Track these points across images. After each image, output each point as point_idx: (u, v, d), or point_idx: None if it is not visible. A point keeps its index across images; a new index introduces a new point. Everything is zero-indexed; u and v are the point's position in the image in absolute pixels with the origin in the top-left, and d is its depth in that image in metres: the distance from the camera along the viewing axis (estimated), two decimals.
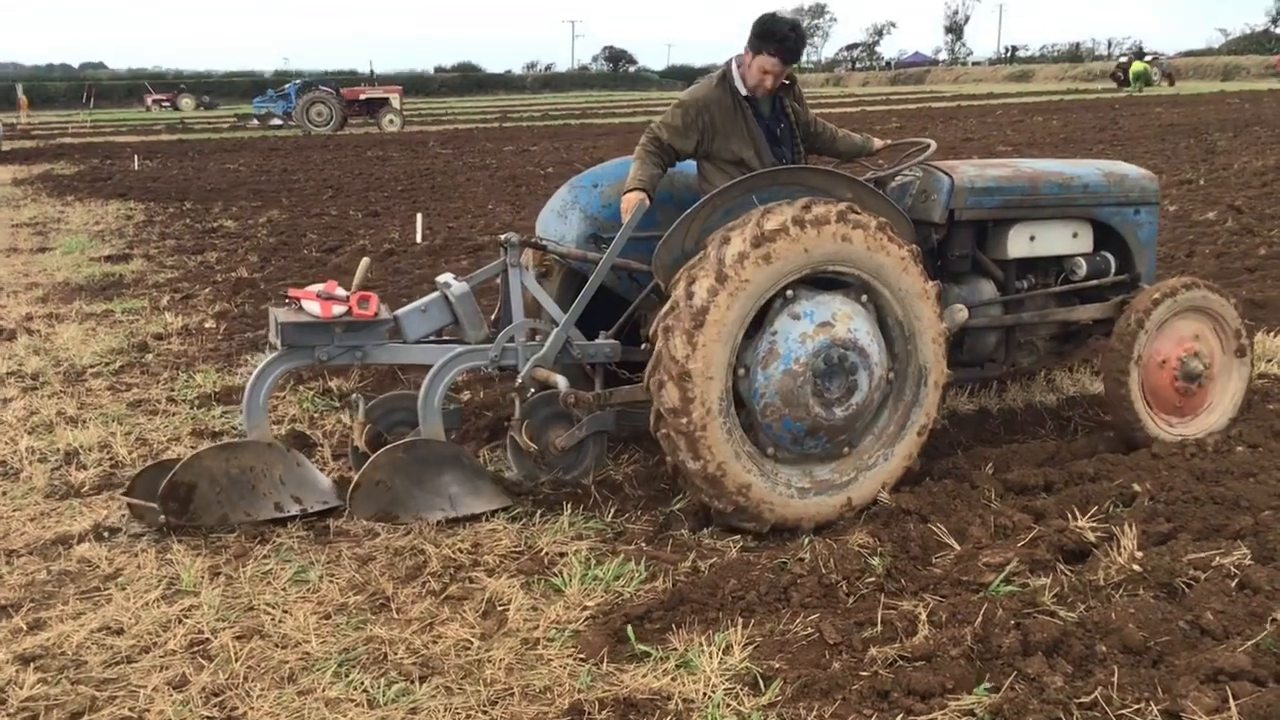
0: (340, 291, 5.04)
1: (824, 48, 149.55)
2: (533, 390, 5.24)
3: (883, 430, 5.02)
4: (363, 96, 42.42)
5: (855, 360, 4.76)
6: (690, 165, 5.55)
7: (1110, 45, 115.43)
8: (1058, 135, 25.51)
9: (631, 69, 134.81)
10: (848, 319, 4.76)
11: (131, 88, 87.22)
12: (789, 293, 4.70)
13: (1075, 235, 5.93)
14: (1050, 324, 5.98)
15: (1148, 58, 63.88)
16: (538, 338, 5.26)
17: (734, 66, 5.39)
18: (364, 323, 5.03)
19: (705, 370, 4.53)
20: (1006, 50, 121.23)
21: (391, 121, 40.46)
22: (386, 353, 5.21)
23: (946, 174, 5.62)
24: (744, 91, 5.34)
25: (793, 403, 4.71)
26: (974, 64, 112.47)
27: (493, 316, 5.58)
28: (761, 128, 5.39)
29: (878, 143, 5.94)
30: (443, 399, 5.10)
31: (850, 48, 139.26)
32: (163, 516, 4.76)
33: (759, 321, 4.71)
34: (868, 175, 5.61)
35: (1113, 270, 6.01)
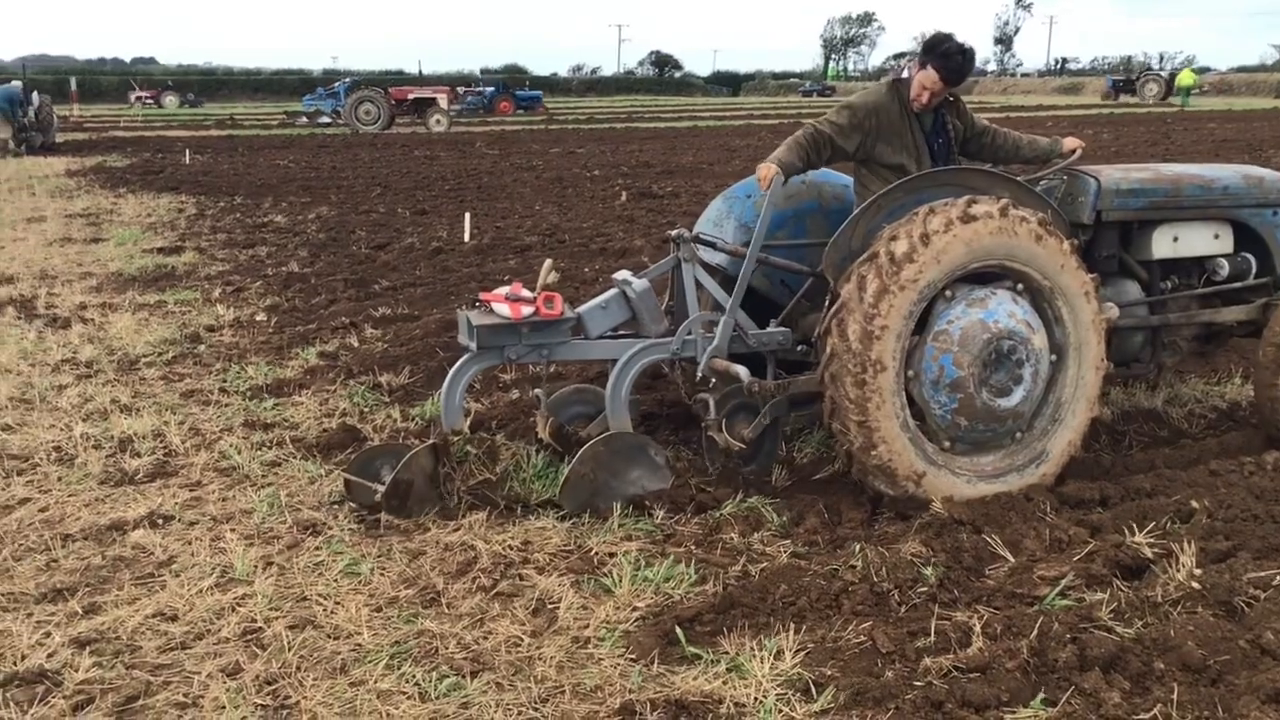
0: (526, 293, 5.16)
1: (871, 56, 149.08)
2: (712, 383, 5.36)
3: (1046, 421, 5.15)
4: (410, 96, 42.74)
5: (1021, 353, 4.92)
6: (836, 176, 5.81)
7: (1162, 59, 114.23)
8: (1109, 149, 25.26)
9: (677, 74, 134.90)
10: (1012, 313, 4.91)
11: (181, 83, 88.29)
12: (948, 292, 4.89)
13: (1217, 236, 6.02)
14: (1194, 325, 6.05)
15: (1175, 71, 63.57)
16: (715, 329, 5.36)
17: (907, 74, 5.57)
18: (550, 322, 5.17)
19: (877, 362, 4.71)
20: (1056, 62, 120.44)
21: (438, 121, 40.69)
22: (570, 350, 5.36)
23: (1093, 177, 5.76)
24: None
25: (962, 393, 4.88)
26: (1023, 75, 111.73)
27: (662, 309, 5.70)
28: (924, 139, 5.55)
29: (1068, 144, 5.94)
30: (629, 392, 5.25)
31: (897, 56, 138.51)
32: (385, 512, 4.92)
33: (923, 320, 4.89)
34: None
35: (1254, 272, 6.07)
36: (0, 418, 6.39)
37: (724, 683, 3.61)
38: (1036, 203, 5.17)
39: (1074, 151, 5.87)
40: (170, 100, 70.66)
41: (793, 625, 3.91)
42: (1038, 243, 4.90)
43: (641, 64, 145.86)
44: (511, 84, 61.38)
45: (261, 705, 3.52)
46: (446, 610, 4.15)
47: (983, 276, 4.96)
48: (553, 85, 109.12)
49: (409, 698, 3.56)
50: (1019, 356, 4.92)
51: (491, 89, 60.98)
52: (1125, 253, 5.89)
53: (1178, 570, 4.16)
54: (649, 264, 8.67)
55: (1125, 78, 72.02)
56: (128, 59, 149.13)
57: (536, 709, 3.52)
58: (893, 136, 5.49)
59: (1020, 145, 5.94)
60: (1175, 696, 3.38)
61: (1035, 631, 3.73)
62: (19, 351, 7.90)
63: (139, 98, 70.15)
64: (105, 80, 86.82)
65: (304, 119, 47.13)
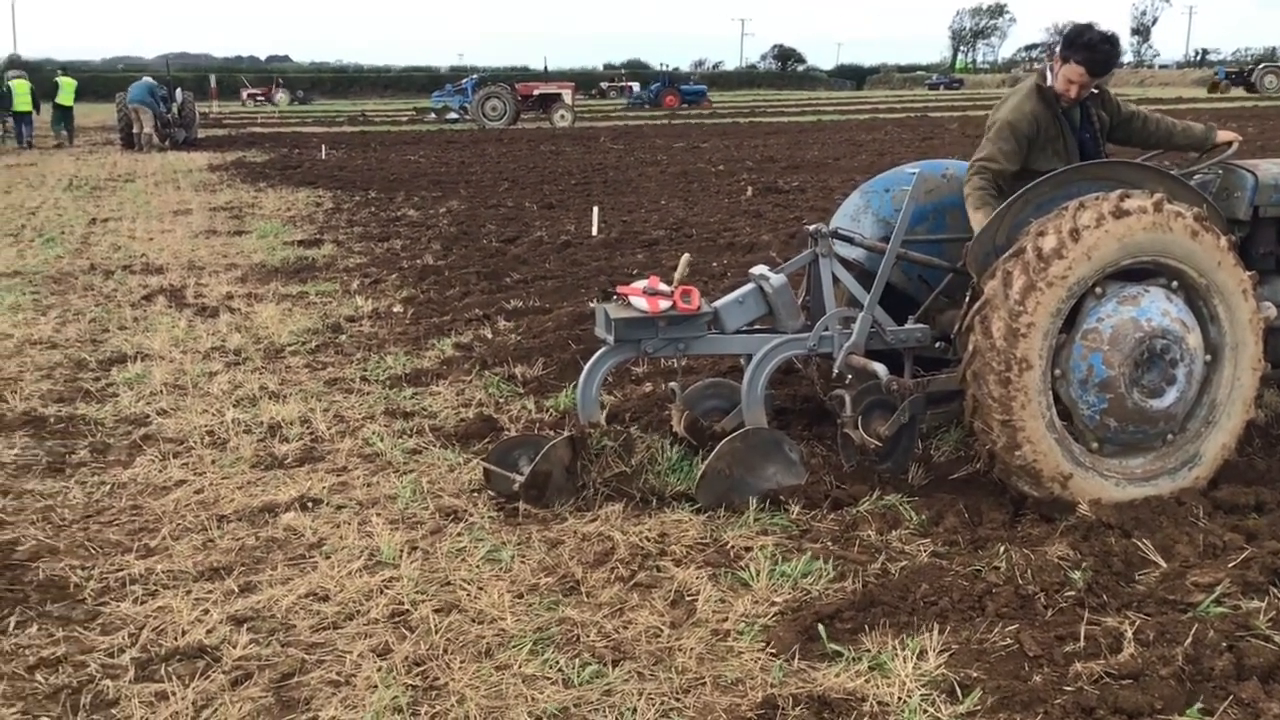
0: (663, 287, 5.21)
1: (1001, 48, 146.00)
2: (847, 379, 5.33)
3: (1199, 424, 5.00)
4: (536, 92, 43.28)
5: (1175, 353, 4.78)
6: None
7: None
8: (1253, 142, 24.22)
9: (800, 68, 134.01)
10: (1166, 311, 4.78)
11: (314, 80, 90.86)
12: (1098, 289, 4.76)
13: None
14: None
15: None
16: (853, 326, 5.34)
17: (1049, 74, 5.41)
18: (686, 316, 5.19)
19: (1023, 360, 4.61)
20: (1196, 54, 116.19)
21: (563, 117, 41.08)
22: (706, 344, 5.38)
23: (1250, 171, 5.57)
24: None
25: (1112, 393, 4.76)
26: (1161, 67, 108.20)
27: (798, 304, 5.69)
28: (1074, 138, 5.43)
29: (1223, 135, 5.75)
30: (765, 387, 5.27)
31: (1029, 48, 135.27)
32: (523, 502, 5.00)
33: (1072, 318, 4.78)
34: None
35: None
36: (156, 402, 6.67)
37: (866, 681, 3.59)
38: (1192, 197, 5.01)
39: (1229, 144, 5.67)
40: (281, 97, 72.81)
41: (935, 625, 3.86)
42: (1193, 239, 4.75)
43: (764, 58, 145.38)
44: (676, 79, 63.87)
45: (411, 685, 3.61)
46: (586, 599, 4.19)
47: (1135, 273, 4.82)
48: (675, 80, 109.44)
49: (553, 683, 3.62)
50: (1172, 356, 4.77)
51: (657, 84, 62.20)
52: None
53: None
54: (777, 258, 8.66)
55: (1238, 69, 68.91)
56: (263, 57, 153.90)
57: (678, 699, 3.54)
58: (1047, 144, 5.35)
59: (1173, 131, 5.73)
60: None
61: (1190, 639, 3.63)
62: (171, 339, 8.23)
63: (250, 95, 72.44)
64: (248, 78, 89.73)
65: (433, 115, 48.10)
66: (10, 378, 7.23)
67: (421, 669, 3.71)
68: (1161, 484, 4.88)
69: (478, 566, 4.45)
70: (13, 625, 4.01)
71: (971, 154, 5.56)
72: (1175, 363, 4.78)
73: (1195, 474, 4.95)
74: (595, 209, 13.79)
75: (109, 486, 5.40)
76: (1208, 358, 4.93)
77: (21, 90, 31.73)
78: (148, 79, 31.26)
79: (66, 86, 33.29)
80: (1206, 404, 4.98)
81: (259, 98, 72.64)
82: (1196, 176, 5.62)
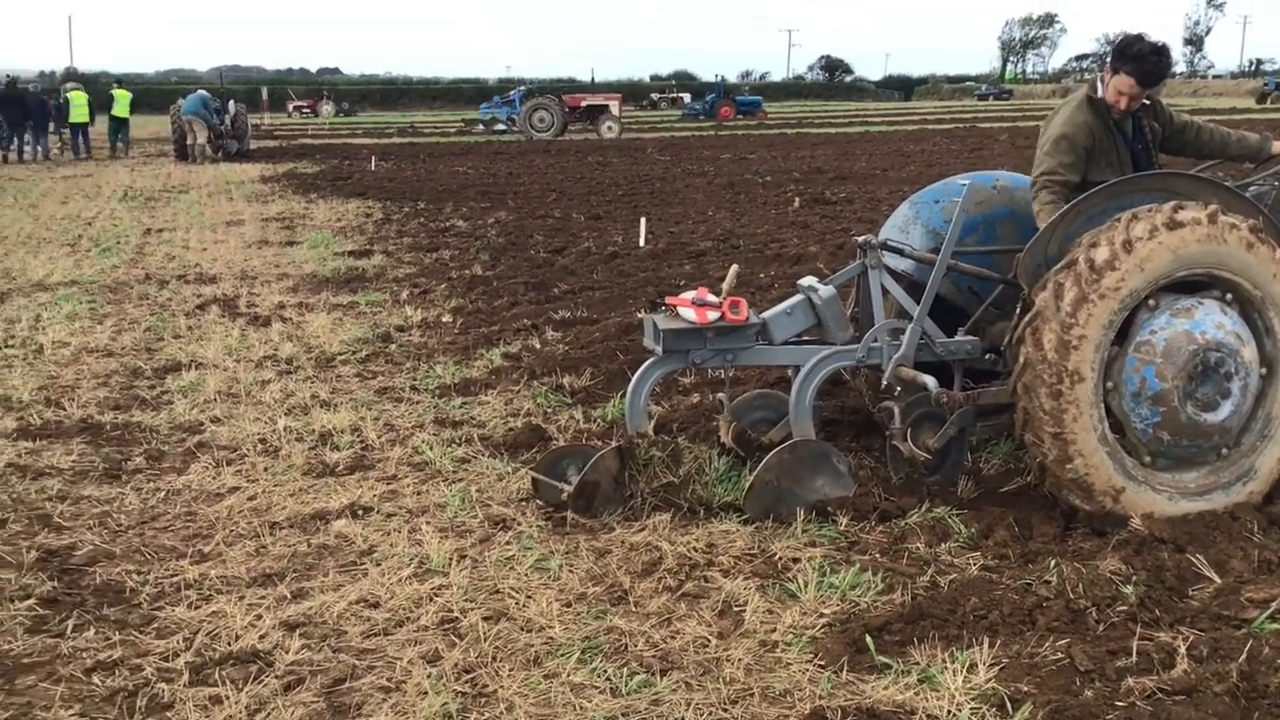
0: (712, 298, 5.22)
1: (1051, 58, 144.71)
2: (896, 391, 5.31)
3: (1254, 438, 4.94)
4: (583, 104, 43.46)
5: (1229, 366, 4.73)
6: (1028, 181, 5.54)
7: None
8: None
9: (847, 79, 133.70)
10: (1220, 324, 4.73)
11: (364, 92, 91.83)
12: (1151, 301, 4.72)
13: None
14: None
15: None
16: (902, 337, 5.32)
17: (1100, 86, 5.37)
18: (735, 327, 5.20)
19: (1075, 372, 4.59)
20: (1250, 64, 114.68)
21: (610, 128, 41.21)
22: (755, 355, 5.37)
23: None
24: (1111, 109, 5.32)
25: (1165, 407, 4.71)
26: (1215, 77, 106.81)
27: (847, 315, 5.68)
28: (1126, 149, 5.40)
29: (1279, 146, 5.67)
30: (813, 398, 5.27)
31: (1080, 58, 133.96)
32: (571, 511, 5.03)
33: (1124, 330, 4.74)
34: None
35: None
36: (210, 410, 6.77)
37: (915, 694, 3.57)
38: (1246, 209, 4.95)
39: None
40: (326, 109, 73.63)
41: (985, 639, 3.83)
42: (1249, 250, 4.70)
43: (811, 69, 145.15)
44: (730, 89, 64.92)
45: (460, 693, 3.64)
46: (634, 609, 4.21)
47: (1188, 285, 4.77)
48: (728, 91, 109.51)
49: (601, 692, 3.63)
50: (1227, 369, 4.71)
51: (713, 95, 62.61)
52: None
53: None
54: (824, 269, 8.64)
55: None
56: (314, 69, 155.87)
57: (726, 710, 3.54)
58: (1100, 155, 5.31)
59: (1227, 141, 5.65)
60: None
61: (1244, 655, 3.59)
62: (224, 348, 8.35)
63: (297, 107, 73.35)
64: (295, 90, 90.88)
65: (481, 126, 48.44)
66: (68, 385, 7.37)
67: (471, 676, 3.74)
68: (1215, 498, 4.82)
69: (526, 575, 4.47)
70: (70, 628, 4.10)
71: (1021, 165, 5.53)
72: (1230, 376, 4.72)
73: (1250, 488, 4.88)
74: (643, 220, 13.82)
75: (164, 493, 5.49)
76: (1263, 371, 4.87)
77: (79, 102, 32.29)
78: (201, 91, 31.79)
79: (122, 99, 33.82)
80: (1262, 418, 4.92)
81: (304, 109, 73.53)
82: (1252, 188, 5.55)
